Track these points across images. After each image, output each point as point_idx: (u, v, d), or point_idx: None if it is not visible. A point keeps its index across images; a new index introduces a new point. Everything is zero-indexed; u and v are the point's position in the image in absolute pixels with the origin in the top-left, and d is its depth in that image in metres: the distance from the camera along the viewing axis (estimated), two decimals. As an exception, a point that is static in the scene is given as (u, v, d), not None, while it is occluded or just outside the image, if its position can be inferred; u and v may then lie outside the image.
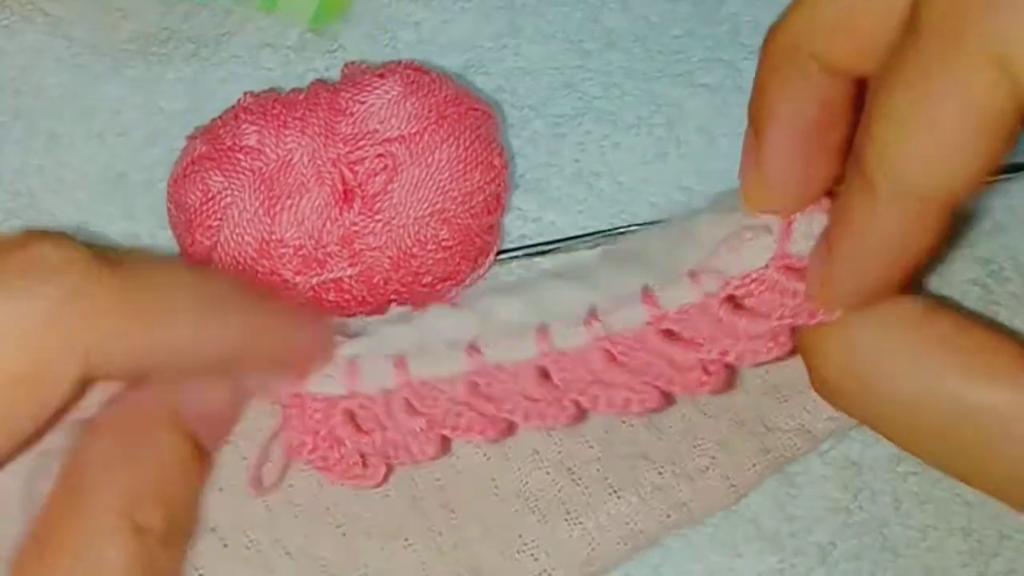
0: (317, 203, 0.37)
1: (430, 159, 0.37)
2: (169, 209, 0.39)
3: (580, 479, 0.36)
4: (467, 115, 0.38)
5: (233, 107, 0.38)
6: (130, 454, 0.30)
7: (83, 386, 0.28)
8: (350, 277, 0.37)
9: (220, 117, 0.38)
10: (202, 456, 0.31)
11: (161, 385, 0.31)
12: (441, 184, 0.37)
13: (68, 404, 0.27)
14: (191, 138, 0.39)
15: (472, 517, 0.36)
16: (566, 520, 0.36)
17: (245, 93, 0.39)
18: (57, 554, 0.28)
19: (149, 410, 0.31)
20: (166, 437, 0.30)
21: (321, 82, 0.39)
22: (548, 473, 0.36)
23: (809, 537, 0.38)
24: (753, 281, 0.33)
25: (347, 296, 0.38)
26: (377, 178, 0.37)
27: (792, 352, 0.33)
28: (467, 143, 0.38)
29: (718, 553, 0.37)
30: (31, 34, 0.46)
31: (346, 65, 0.40)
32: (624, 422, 0.36)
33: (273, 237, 0.36)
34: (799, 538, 0.38)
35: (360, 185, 0.37)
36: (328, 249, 0.37)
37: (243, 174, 0.37)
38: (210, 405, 0.32)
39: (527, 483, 0.36)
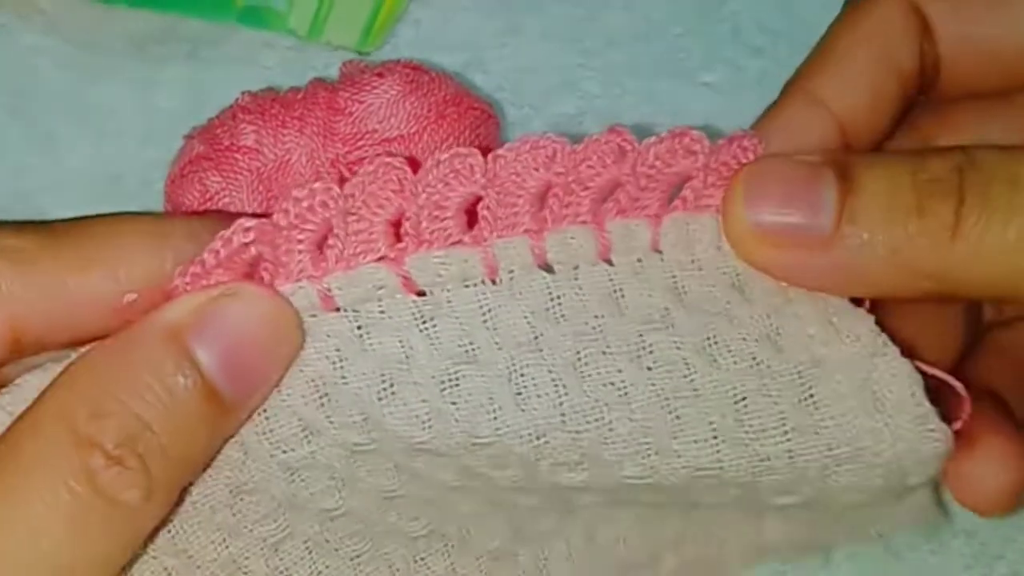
0: (315, 204, 0.36)
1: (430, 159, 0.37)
2: (166, 209, 0.38)
3: None
4: (467, 114, 0.38)
5: (231, 107, 0.38)
6: (101, 365, 0.24)
7: None
8: (349, 278, 0.37)
9: (218, 117, 0.38)
10: (213, 398, 0.24)
11: (179, 301, 0.25)
12: (441, 184, 0.37)
13: None
14: (188, 138, 0.38)
15: None
16: None
17: (243, 92, 0.39)
18: None
19: (146, 324, 0.24)
20: (157, 356, 0.24)
21: (319, 81, 0.39)
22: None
23: (812, 540, 0.37)
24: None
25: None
26: (376, 178, 0.37)
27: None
28: (467, 143, 0.38)
29: (720, 556, 0.37)
30: (28, 33, 0.45)
31: (344, 64, 0.39)
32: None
33: (271, 238, 0.36)
34: (801, 541, 0.37)
35: (359, 185, 0.37)
36: (327, 250, 0.37)
37: (241, 174, 0.37)
38: (242, 330, 0.25)
39: None
